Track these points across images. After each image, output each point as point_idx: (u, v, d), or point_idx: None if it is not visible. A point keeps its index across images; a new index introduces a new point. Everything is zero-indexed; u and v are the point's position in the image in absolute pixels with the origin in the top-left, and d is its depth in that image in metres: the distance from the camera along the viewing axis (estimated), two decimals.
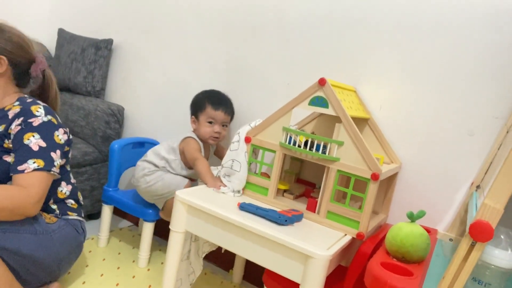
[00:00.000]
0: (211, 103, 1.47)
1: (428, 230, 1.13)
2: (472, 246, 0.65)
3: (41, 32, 2.21)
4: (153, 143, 1.77)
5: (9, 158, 1.10)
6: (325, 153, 1.10)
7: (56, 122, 1.17)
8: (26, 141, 1.09)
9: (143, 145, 1.73)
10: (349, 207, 1.07)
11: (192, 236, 1.34)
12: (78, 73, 1.96)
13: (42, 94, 1.28)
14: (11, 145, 1.11)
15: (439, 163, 1.22)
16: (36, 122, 1.12)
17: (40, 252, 1.13)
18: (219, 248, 1.51)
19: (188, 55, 1.75)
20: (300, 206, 1.18)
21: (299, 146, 1.14)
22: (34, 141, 1.10)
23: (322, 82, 1.10)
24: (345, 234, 1.07)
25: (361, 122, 1.31)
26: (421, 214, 0.92)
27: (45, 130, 1.13)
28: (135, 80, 1.95)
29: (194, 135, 1.49)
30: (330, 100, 1.10)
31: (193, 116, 1.52)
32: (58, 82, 2.02)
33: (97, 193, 1.83)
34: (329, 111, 1.10)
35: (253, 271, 1.59)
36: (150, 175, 1.48)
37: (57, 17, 2.23)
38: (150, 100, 1.89)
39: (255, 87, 1.56)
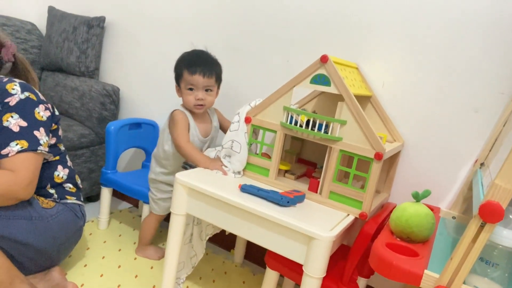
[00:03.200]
0: (186, 67, 1.30)
1: (431, 208, 1.12)
2: (481, 227, 0.63)
3: (30, 10, 2.13)
4: (150, 124, 1.74)
5: None
6: (327, 133, 1.07)
7: (35, 98, 1.11)
8: (5, 123, 1.04)
9: (140, 126, 1.70)
10: (352, 187, 1.06)
11: (194, 219, 1.33)
12: (71, 52, 1.90)
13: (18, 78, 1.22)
14: None
15: (442, 140, 1.20)
16: (12, 101, 1.06)
17: (36, 238, 1.11)
18: (222, 230, 1.51)
19: (184, 34, 1.69)
20: (302, 186, 1.16)
21: (301, 125, 1.11)
22: (13, 121, 1.05)
23: (324, 59, 1.07)
24: (348, 214, 1.06)
25: (364, 100, 1.28)
26: (426, 193, 0.90)
27: (24, 108, 1.07)
28: (130, 59, 1.89)
29: (181, 107, 1.37)
30: (333, 78, 1.06)
31: (176, 85, 1.37)
32: (50, 62, 1.97)
33: (95, 175, 1.81)
34: (331, 89, 1.07)
35: (254, 251, 1.59)
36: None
37: None
38: (145, 79, 1.85)
39: (255, 66, 1.52)
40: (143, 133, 1.71)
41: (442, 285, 0.67)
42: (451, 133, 1.19)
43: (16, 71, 1.23)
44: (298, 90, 1.21)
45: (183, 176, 1.12)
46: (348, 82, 1.10)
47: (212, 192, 1.06)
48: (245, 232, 1.03)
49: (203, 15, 1.62)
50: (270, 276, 1.19)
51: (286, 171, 1.26)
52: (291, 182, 1.20)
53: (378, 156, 1.00)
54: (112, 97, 1.83)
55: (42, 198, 1.18)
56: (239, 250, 1.59)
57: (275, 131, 1.16)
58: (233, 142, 1.20)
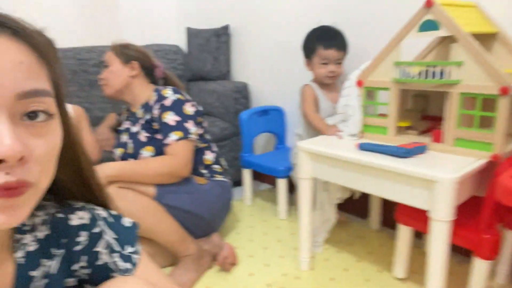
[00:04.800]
0: (321, 42, 1.43)
1: None
2: None
3: (174, 35, 2.58)
4: (276, 109, 1.92)
5: (160, 136, 1.38)
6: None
7: (183, 98, 1.40)
8: (164, 120, 1.35)
9: (267, 112, 1.89)
10: (479, 130, 0.99)
11: (322, 186, 1.42)
12: (206, 62, 2.23)
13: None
14: (158, 126, 1.39)
15: None
16: (167, 102, 1.36)
17: (197, 207, 1.38)
18: (351, 197, 1.56)
19: (294, 19, 1.81)
20: (426, 141, 1.14)
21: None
22: (170, 118, 1.35)
23: (429, 3, 1.03)
24: (478, 160, 0.99)
25: (488, 38, 1.16)
26: None
27: (176, 107, 1.36)
28: (253, 56, 2.12)
29: (310, 82, 1.52)
30: (441, 20, 1.02)
31: (306, 59, 1.51)
32: (193, 73, 2.36)
33: (238, 162, 2.08)
34: (441, 32, 1.03)
35: (390, 216, 1.58)
36: None
37: (183, 17, 2.56)
38: (269, 71, 2.04)
39: (366, 30, 1.53)
40: (271, 118, 1.90)
41: None
42: None
43: (167, 84, 1.58)
44: (410, 47, 1.18)
45: (304, 144, 1.23)
46: (461, 21, 1.03)
47: (332, 153, 1.14)
48: (367, 186, 1.08)
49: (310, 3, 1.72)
50: (403, 233, 1.20)
51: (407, 128, 1.24)
52: (413, 138, 1.18)
53: (504, 91, 0.92)
54: (242, 93, 2.08)
55: (197, 177, 1.46)
56: (375, 217, 1.61)
57: (388, 88, 1.17)
58: (346, 106, 1.25)
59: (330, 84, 1.53)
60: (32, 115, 0.41)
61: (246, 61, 2.17)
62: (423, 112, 1.37)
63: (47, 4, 2.10)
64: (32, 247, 0.51)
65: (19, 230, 0.51)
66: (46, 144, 0.42)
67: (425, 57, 1.30)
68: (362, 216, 1.71)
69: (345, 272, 1.33)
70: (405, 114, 1.30)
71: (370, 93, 1.26)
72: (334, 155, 1.13)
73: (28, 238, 0.51)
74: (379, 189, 1.05)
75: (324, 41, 1.44)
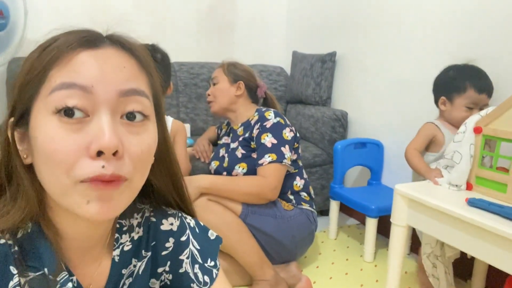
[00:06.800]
0: (474, 85, 1.24)
1: None
2: None
3: (280, 57, 2.65)
4: (375, 143, 1.82)
5: (255, 155, 1.41)
6: None
7: (283, 122, 1.41)
8: (262, 141, 1.38)
9: (364, 145, 1.81)
10: None
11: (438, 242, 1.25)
12: (308, 86, 2.24)
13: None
14: (255, 146, 1.42)
15: None
16: (268, 124, 1.39)
17: (279, 233, 1.37)
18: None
19: (409, 53, 1.71)
20: None
21: None
22: (268, 139, 1.37)
23: None
24: None
25: None
26: None
27: (275, 130, 1.39)
28: (357, 86, 2.05)
29: (435, 121, 1.35)
30: None
31: (443, 97, 1.32)
32: (293, 96, 2.38)
33: (326, 191, 2.02)
34: None
35: (496, 281, 1.36)
36: None
37: (291, 41, 2.62)
38: (371, 102, 1.95)
39: (496, 72, 1.36)
40: (368, 152, 1.81)
41: None
42: None
43: (266, 103, 1.62)
44: None
45: (402, 187, 1.13)
46: None
47: (433, 203, 1.03)
48: (471, 247, 0.95)
49: (428, 30, 1.61)
50: None
51: None
52: None
53: None
54: (341, 121, 2.02)
55: (284, 202, 1.45)
56: (478, 281, 1.40)
57: None
58: (454, 152, 1.12)
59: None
60: (130, 116, 0.45)
61: (349, 89, 2.12)
62: None
63: (173, 24, 2.34)
64: (127, 247, 0.55)
65: (119, 230, 0.55)
66: (141, 143, 0.46)
67: None
68: (462, 278, 1.51)
69: None
70: None
71: (489, 143, 1.12)
72: (436, 205, 1.01)
73: (125, 238, 0.56)
74: (487, 255, 0.91)
75: (478, 83, 1.25)
